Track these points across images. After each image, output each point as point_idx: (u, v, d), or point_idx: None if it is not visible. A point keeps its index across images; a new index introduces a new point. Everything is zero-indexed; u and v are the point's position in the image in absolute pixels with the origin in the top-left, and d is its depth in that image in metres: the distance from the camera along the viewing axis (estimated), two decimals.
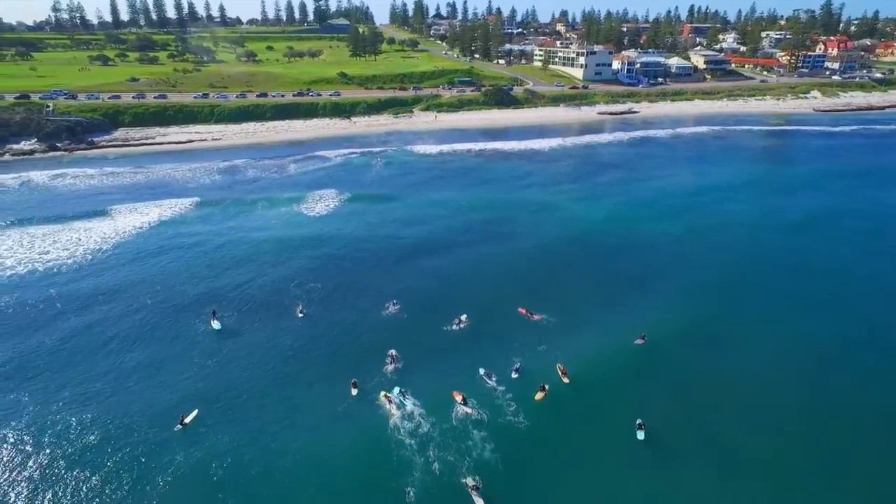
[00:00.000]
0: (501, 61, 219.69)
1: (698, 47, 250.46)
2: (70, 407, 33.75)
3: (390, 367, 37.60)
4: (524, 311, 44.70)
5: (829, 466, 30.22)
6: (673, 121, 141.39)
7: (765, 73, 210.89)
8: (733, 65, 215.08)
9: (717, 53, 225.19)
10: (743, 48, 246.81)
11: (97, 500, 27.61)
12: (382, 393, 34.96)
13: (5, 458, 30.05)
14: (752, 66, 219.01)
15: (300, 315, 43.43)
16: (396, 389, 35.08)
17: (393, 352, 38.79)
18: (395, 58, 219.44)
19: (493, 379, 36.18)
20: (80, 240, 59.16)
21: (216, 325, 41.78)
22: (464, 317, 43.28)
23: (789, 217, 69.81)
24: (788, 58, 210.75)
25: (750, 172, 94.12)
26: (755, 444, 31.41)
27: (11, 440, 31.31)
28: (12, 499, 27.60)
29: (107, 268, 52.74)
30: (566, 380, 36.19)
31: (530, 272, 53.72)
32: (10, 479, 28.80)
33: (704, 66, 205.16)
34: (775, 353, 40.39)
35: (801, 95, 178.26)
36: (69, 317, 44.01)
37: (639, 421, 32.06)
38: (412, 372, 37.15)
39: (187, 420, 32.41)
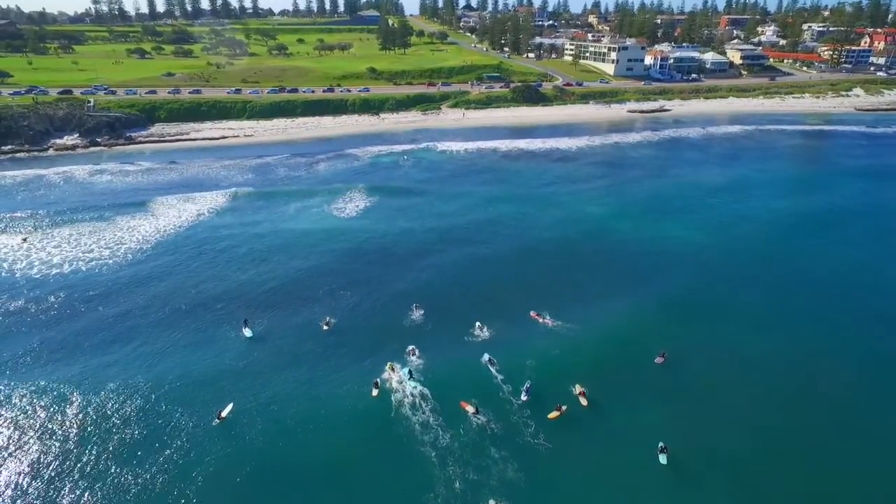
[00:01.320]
0: (531, 55, 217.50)
1: (735, 40, 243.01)
2: (111, 400, 35.78)
3: (413, 360, 39.53)
4: (536, 315, 45.55)
5: (870, 497, 29.82)
6: (705, 120, 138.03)
7: (804, 68, 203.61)
8: (771, 60, 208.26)
9: (753, 48, 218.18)
10: (783, 42, 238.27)
11: (141, 490, 29.29)
12: (388, 364, 37.88)
13: (45, 447, 32.01)
14: (790, 61, 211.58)
15: (325, 328, 44.25)
16: (406, 369, 37.80)
17: (412, 347, 40.89)
18: (424, 51, 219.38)
19: (496, 367, 38.24)
20: (122, 238, 61.61)
21: (248, 332, 43.21)
22: (479, 324, 44.11)
23: (822, 223, 68.20)
24: (830, 52, 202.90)
25: (781, 175, 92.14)
26: (784, 470, 31.00)
27: (52, 429, 33.33)
28: (52, 488, 29.39)
29: (146, 269, 54.89)
30: (584, 402, 35.76)
31: (548, 274, 54.61)
32: (48, 468, 30.60)
33: (741, 62, 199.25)
34: (806, 372, 39.46)
35: (843, 93, 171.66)
36: (109, 318, 46.08)
37: (661, 444, 31.73)
38: (430, 374, 38.25)
39: (224, 414, 34.13)
